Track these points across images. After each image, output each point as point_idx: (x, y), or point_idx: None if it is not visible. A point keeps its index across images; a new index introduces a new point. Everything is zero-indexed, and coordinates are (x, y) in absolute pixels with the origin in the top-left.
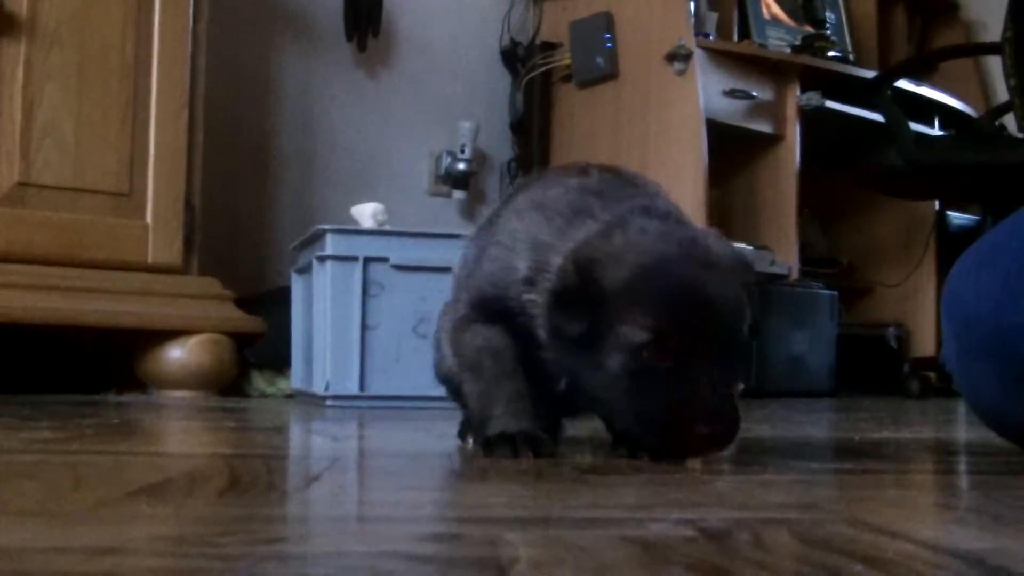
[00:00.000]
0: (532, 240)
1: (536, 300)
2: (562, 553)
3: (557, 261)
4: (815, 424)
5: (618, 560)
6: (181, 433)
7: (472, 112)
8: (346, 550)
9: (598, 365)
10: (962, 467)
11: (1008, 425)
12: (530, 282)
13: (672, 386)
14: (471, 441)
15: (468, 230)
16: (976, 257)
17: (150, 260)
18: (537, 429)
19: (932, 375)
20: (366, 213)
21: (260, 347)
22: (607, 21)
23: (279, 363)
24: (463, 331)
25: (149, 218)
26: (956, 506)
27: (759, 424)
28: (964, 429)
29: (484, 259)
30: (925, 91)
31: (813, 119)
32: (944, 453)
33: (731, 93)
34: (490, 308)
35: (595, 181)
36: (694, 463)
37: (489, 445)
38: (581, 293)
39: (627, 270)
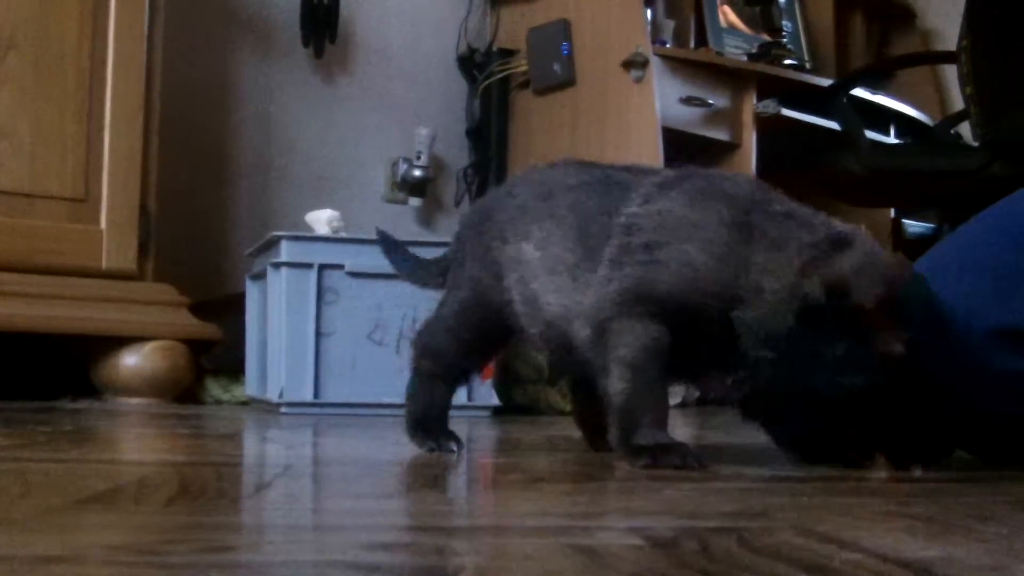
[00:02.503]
0: (740, 260)
1: (742, 318)
2: (508, 562)
3: (772, 280)
4: None
5: (563, 569)
6: (134, 440)
7: (429, 119)
8: (292, 559)
9: (836, 376)
10: (915, 475)
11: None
12: (740, 300)
13: (918, 396)
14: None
15: (424, 237)
16: (936, 264)
17: (105, 266)
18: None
19: None
20: (321, 220)
21: (216, 353)
22: (565, 28)
23: (235, 370)
24: (633, 321)
25: (104, 224)
26: (906, 514)
27: (714, 431)
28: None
29: (672, 261)
30: (881, 99)
31: (770, 126)
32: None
33: (688, 100)
34: (670, 312)
35: (784, 209)
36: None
37: (650, 453)
38: (838, 312)
39: (879, 287)
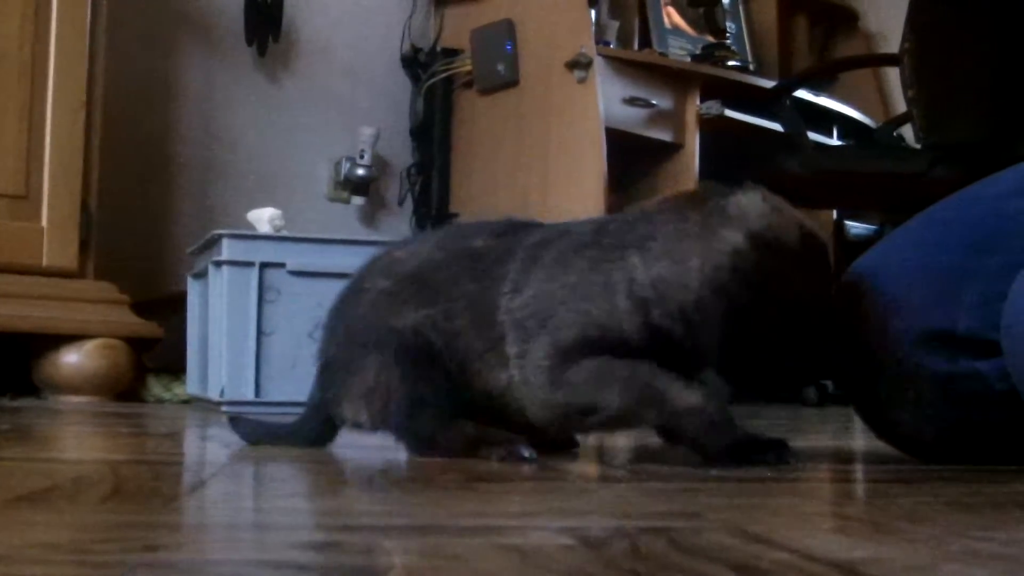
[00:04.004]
0: (626, 276)
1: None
2: (438, 561)
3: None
4: None
5: (492, 569)
6: (72, 439)
7: (373, 118)
8: (221, 558)
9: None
10: (852, 475)
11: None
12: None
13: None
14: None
15: (367, 236)
16: (878, 263)
17: (45, 263)
18: None
19: (829, 383)
20: (263, 218)
21: (157, 352)
22: (509, 28)
23: (176, 368)
24: (574, 363)
25: (44, 221)
26: (840, 515)
27: (652, 432)
28: (859, 438)
29: (571, 315)
30: (825, 101)
31: (713, 128)
32: (836, 461)
33: (631, 101)
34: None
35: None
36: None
37: (743, 451)
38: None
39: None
